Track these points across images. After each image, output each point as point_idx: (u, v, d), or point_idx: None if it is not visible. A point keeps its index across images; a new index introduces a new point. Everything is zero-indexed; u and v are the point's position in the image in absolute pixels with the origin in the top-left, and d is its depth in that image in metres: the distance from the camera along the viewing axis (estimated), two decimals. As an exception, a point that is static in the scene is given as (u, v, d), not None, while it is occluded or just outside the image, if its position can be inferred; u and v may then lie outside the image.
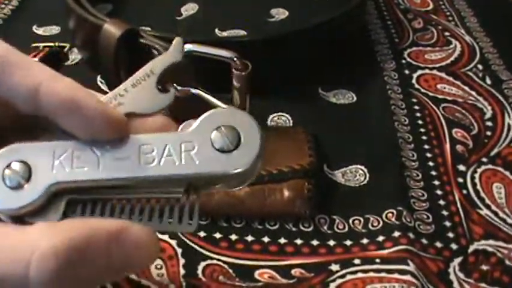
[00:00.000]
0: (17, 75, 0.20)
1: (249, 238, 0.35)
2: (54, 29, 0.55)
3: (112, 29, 0.41)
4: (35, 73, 0.21)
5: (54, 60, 0.50)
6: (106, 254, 0.19)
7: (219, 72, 0.39)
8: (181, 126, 0.22)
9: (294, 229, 0.36)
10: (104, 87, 0.47)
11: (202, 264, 0.34)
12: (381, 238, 0.35)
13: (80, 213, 0.21)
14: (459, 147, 0.42)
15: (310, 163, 0.38)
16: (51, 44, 0.50)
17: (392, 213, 0.36)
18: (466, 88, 0.48)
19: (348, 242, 0.35)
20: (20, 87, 0.20)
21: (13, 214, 0.21)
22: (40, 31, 0.55)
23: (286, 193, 0.36)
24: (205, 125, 0.21)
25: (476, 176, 0.40)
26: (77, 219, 0.21)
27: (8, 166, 0.21)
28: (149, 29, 0.49)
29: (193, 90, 0.41)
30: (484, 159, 0.41)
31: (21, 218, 0.21)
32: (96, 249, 0.19)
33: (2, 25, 0.55)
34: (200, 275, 0.33)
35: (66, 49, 0.51)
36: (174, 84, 0.42)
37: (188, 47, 0.39)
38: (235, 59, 0.39)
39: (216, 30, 0.53)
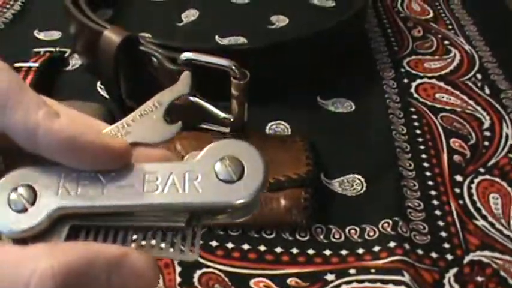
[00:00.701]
0: (17, 115, 0.20)
1: (245, 246, 0.35)
2: (55, 34, 0.55)
3: (112, 36, 0.42)
4: (32, 112, 0.20)
5: (55, 65, 0.50)
6: (105, 279, 0.19)
7: (217, 80, 0.39)
8: (186, 157, 0.22)
9: (290, 238, 0.36)
10: (103, 93, 0.47)
11: (199, 272, 0.34)
12: (376, 248, 0.35)
13: (83, 240, 0.21)
14: (456, 157, 0.42)
15: (307, 172, 0.38)
16: (52, 49, 0.51)
17: (388, 223, 0.37)
18: (465, 97, 0.48)
19: (344, 252, 0.35)
20: (19, 129, 0.20)
21: (16, 237, 0.21)
22: (41, 36, 0.55)
23: (282, 202, 0.36)
24: (209, 156, 0.21)
25: (473, 186, 0.40)
26: (79, 243, 0.21)
27: (14, 190, 0.21)
28: (149, 35, 0.50)
29: (192, 98, 0.41)
30: (481, 170, 0.42)
31: (24, 242, 0.21)
32: (96, 274, 0.19)
33: (4, 29, 0.55)
34: (196, 283, 0.33)
35: (66, 54, 0.51)
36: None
37: (187, 55, 0.40)
38: (233, 67, 0.39)
39: (216, 37, 0.53)
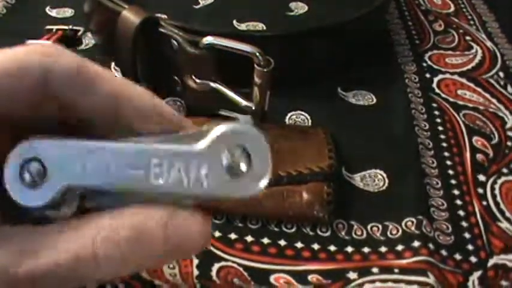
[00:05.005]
0: (97, 86, 0.21)
1: (265, 240, 0.34)
2: (68, 12, 0.53)
3: (131, 17, 0.40)
4: (114, 83, 0.21)
5: (68, 44, 0.48)
6: (162, 234, 0.20)
7: (239, 66, 0.37)
8: (194, 134, 0.21)
9: (311, 233, 0.35)
10: (118, 74, 0.45)
11: (217, 265, 0.33)
12: (400, 247, 0.34)
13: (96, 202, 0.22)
14: (479, 156, 0.41)
15: (330, 166, 0.37)
16: (65, 27, 0.49)
17: (412, 222, 0.35)
18: (487, 95, 0.47)
19: (366, 249, 0.34)
20: (100, 97, 0.21)
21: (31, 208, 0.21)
22: (53, 13, 0.53)
23: (305, 196, 0.35)
24: (217, 144, 0.21)
25: (496, 187, 0.39)
26: (132, 206, 0.21)
27: (24, 164, 0.21)
28: (165, 16, 0.48)
29: (213, 84, 0.40)
30: (505, 170, 0.41)
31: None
32: (153, 230, 0.20)
33: (15, 5, 0.54)
34: (214, 277, 0.32)
35: (80, 33, 0.50)
36: (193, 77, 0.41)
37: (209, 39, 0.39)
38: (257, 54, 0.38)
39: (234, 21, 0.51)
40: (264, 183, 0.20)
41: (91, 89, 0.20)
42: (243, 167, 0.20)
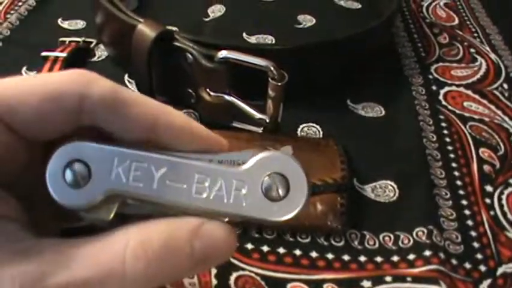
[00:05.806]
0: (134, 111, 0.21)
1: (281, 250, 0.35)
2: (80, 23, 0.54)
3: (146, 30, 0.41)
4: (150, 107, 0.22)
5: (81, 55, 0.49)
6: (189, 249, 0.20)
7: (253, 79, 0.38)
8: (236, 157, 0.22)
9: (325, 243, 0.36)
10: (131, 86, 0.46)
11: (234, 275, 0.33)
12: (411, 256, 0.35)
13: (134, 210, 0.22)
14: (486, 167, 0.42)
15: (343, 177, 0.38)
16: (78, 39, 0.50)
17: (423, 231, 0.36)
18: (492, 107, 0.48)
19: (379, 259, 0.35)
20: (138, 122, 0.21)
21: (70, 208, 0.22)
22: (65, 25, 0.54)
23: (319, 207, 0.36)
24: (258, 168, 0.21)
25: (503, 197, 0.40)
26: (161, 219, 0.21)
27: (69, 164, 0.21)
28: (176, 29, 0.49)
29: (227, 97, 0.41)
30: (511, 181, 0.42)
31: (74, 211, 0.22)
32: (181, 245, 0.20)
33: (27, 17, 0.55)
34: (232, 286, 0.33)
35: (92, 45, 0.51)
36: (208, 90, 0.42)
37: (224, 53, 0.40)
38: (272, 68, 0.38)
39: (244, 34, 0.52)
40: (298, 210, 0.21)
41: (126, 114, 0.21)
42: (281, 192, 0.21)
